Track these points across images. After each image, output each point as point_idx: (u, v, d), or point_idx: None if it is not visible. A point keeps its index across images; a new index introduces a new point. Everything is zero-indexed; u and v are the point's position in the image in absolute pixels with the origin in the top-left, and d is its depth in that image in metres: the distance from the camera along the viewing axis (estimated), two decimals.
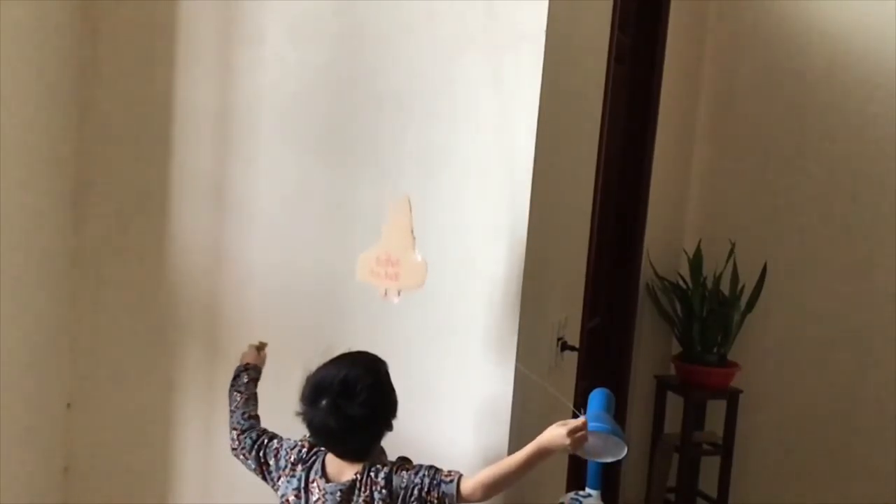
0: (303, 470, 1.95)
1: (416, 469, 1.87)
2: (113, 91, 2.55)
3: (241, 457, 2.03)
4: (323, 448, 1.97)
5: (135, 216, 2.56)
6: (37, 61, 2.43)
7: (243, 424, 2.05)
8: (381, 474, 1.86)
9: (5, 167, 2.35)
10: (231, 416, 2.08)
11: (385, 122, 2.25)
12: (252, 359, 2.18)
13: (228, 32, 2.41)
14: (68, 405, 2.65)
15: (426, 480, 1.84)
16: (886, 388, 3.87)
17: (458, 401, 2.20)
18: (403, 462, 1.92)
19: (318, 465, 1.94)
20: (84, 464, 2.66)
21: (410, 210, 1.99)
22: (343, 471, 1.91)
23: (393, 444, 2.09)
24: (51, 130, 2.50)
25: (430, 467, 1.87)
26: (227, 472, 2.46)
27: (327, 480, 1.91)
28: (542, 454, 1.89)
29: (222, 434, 2.46)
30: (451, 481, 1.83)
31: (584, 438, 1.89)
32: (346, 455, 1.92)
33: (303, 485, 1.93)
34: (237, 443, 2.03)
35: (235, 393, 2.11)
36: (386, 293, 2.01)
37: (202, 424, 2.52)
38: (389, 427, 1.92)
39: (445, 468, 1.87)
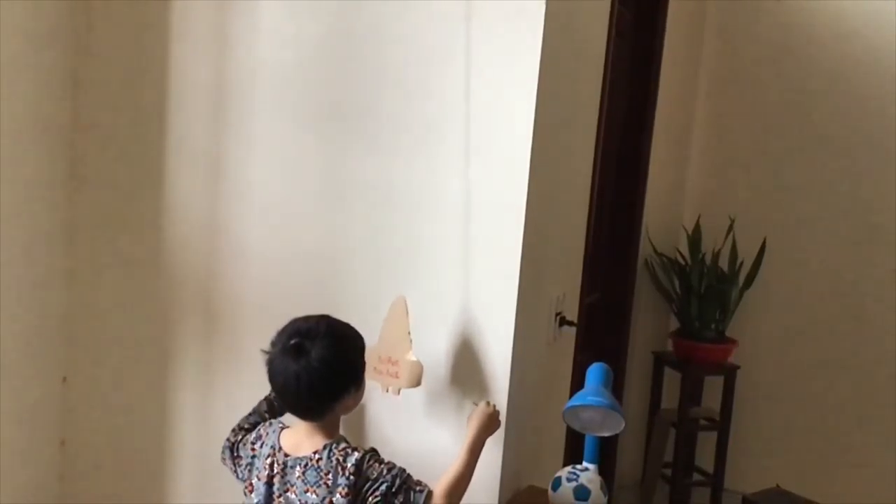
0: (260, 447, 1.94)
1: (390, 466, 1.83)
2: (107, 62, 2.52)
3: (227, 464, 2.04)
4: (280, 423, 1.96)
5: (130, 189, 2.54)
6: (30, 32, 2.40)
7: (229, 438, 2.06)
8: (351, 460, 1.81)
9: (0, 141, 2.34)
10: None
11: (383, 96, 2.23)
12: None
13: (224, 3, 2.38)
14: (64, 379, 2.65)
15: (397, 481, 1.81)
16: (884, 364, 3.88)
17: (456, 375, 2.19)
18: (375, 453, 1.86)
19: (274, 439, 1.92)
20: (80, 437, 2.66)
21: (407, 312, 2.06)
22: (301, 444, 1.88)
23: (394, 419, 2.09)
24: (45, 103, 2.48)
25: (402, 470, 1.84)
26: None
27: (285, 454, 1.88)
28: (482, 437, 1.97)
29: (218, 407, 2.47)
30: (422, 492, 1.82)
31: (497, 409, 2.04)
32: (300, 410, 1.88)
33: (261, 463, 1.91)
34: (222, 455, 2.06)
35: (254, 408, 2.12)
36: (388, 390, 2.09)
37: (198, 397, 2.51)
38: (348, 389, 1.87)
39: (415, 477, 1.85)
